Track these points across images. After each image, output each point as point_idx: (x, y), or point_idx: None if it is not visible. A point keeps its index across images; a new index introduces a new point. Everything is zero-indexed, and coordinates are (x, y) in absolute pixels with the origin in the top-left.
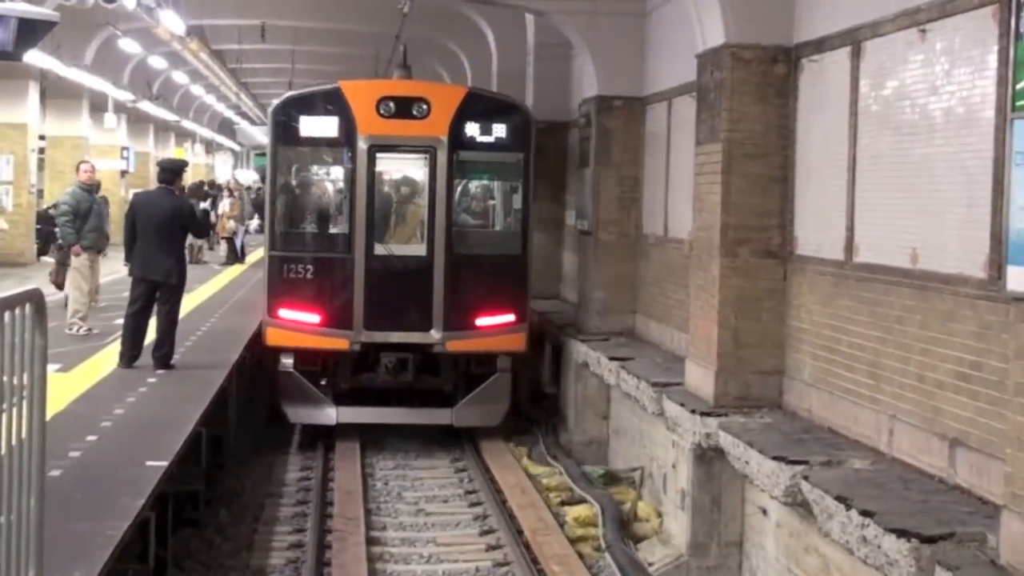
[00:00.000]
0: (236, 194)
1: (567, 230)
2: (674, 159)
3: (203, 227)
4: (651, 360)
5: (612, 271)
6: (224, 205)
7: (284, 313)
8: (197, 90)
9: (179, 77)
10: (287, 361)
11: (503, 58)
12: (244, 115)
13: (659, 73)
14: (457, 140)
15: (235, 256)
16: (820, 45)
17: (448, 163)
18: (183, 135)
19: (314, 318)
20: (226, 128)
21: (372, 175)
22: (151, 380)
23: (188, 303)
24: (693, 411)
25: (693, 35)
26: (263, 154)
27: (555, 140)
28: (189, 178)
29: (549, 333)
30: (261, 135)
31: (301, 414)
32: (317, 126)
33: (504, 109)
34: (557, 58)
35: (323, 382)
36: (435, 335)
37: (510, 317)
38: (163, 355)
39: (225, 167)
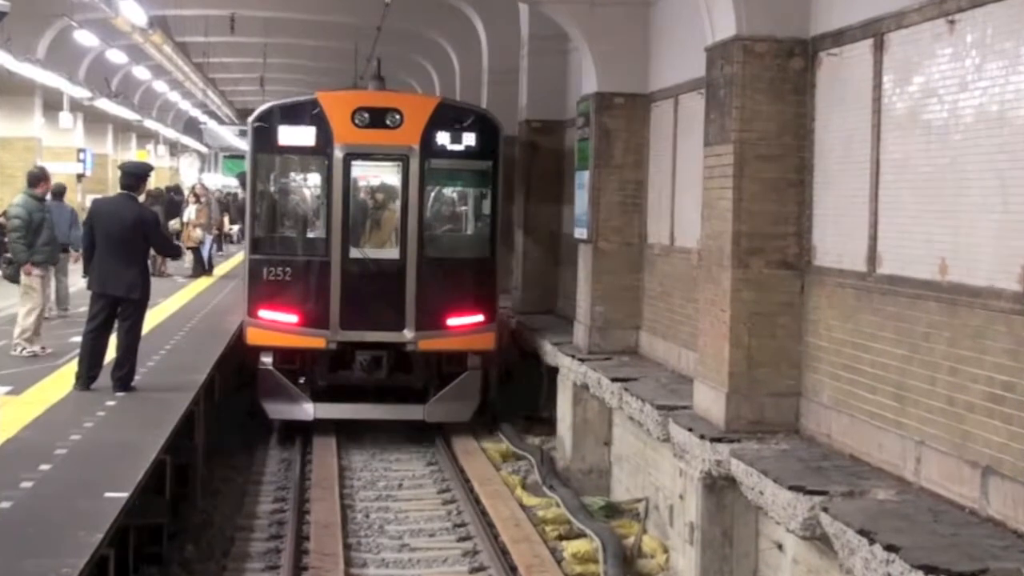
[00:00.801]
0: (203, 200)
1: (564, 239)
2: (681, 161)
3: (167, 245)
4: (656, 381)
5: (613, 284)
6: (190, 212)
7: (264, 313)
8: (160, 87)
9: (140, 73)
10: (266, 359)
11: (494, 52)
12: (212, 114)
13: (664, 68)
14: (428, 148)
15: (202, 268)
16: (840, 37)
17: (420, 170)
18: (145, 136)
19: (292, 318)
20: (192, 128)
21: (347, 182)
22: (110, 403)
23: (151, 320)
24: (702, 436)
25: (701, 27)
26: (233, 156)
27: (551, 141)
28: (152, 183)
29: (544, 351)
30: (231, 136)
31: (280, 410)
32: (295, 135)
33: (473, 119)
34: (553, 52)
35: (301, 380)
36: (408, 334)
37: (479, 317)
38: (123, 376)
39: (191, 171)
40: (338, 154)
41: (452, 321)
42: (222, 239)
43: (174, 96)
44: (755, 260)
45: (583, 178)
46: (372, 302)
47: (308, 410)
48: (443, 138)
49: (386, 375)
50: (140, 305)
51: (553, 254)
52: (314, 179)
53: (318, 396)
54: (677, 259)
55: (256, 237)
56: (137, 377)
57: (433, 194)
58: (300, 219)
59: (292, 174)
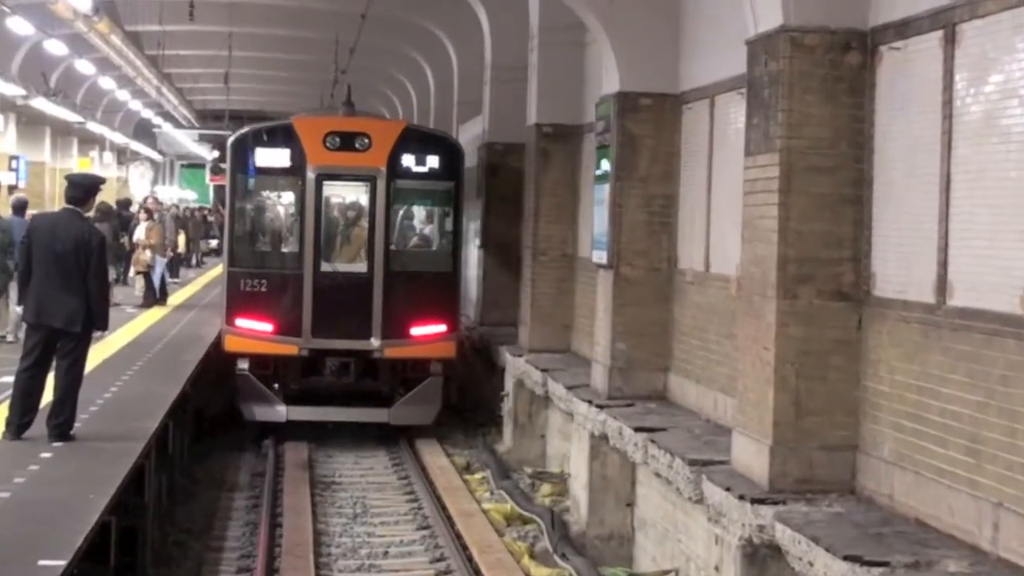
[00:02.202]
0: (156, 216)
1: (580, 264)
2: (718, 173)
3: (101, 279)
4: (688, 431)
5: (638, 317)
6: (139, 231)
7: (240, 322)
8: (107, 83)
9: (84, 67)
10: (243, 365)
11: (499, 45)
12: (167, 116)
13: (698, 64)
14: (395, 170)
15: (153, 296)
16: (904, 29)
17: (387, 190)
18: (89, 141)
19: (267, 327)
20: (144, 132)
21: (319, 201)
22: (45, 455)
23: (94, 356)
24: (742, 497)
25: (742, 15)
26: (192, 166)
27: (565, 149)
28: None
29: (556, 395)
30: (190, 141)
31: (255, 412)
32: (271, 157)
33: (437, 142)
34: (568, 45)
35: (275, 384)
36: (374, 342)
37: (442, 327)
38: (61, 424)
39: (143, 182)
40: (311, 175)
41: (416, 331)
42: (178, 262)
43: (123, 95)
44: (804, 290)
45: (602, 192)
46: (341, 312)
47: (281, 412)
48: (408, 160)
49: (354, 380)
50: (82, 340)
51: (567, 282)
52: (288, 198)
53: (291, 399)
54: (713, 288)
55: (234, 251)
56: (77, 424)
57: (399, 212)
58: (275, 235)
59: (268, 193)
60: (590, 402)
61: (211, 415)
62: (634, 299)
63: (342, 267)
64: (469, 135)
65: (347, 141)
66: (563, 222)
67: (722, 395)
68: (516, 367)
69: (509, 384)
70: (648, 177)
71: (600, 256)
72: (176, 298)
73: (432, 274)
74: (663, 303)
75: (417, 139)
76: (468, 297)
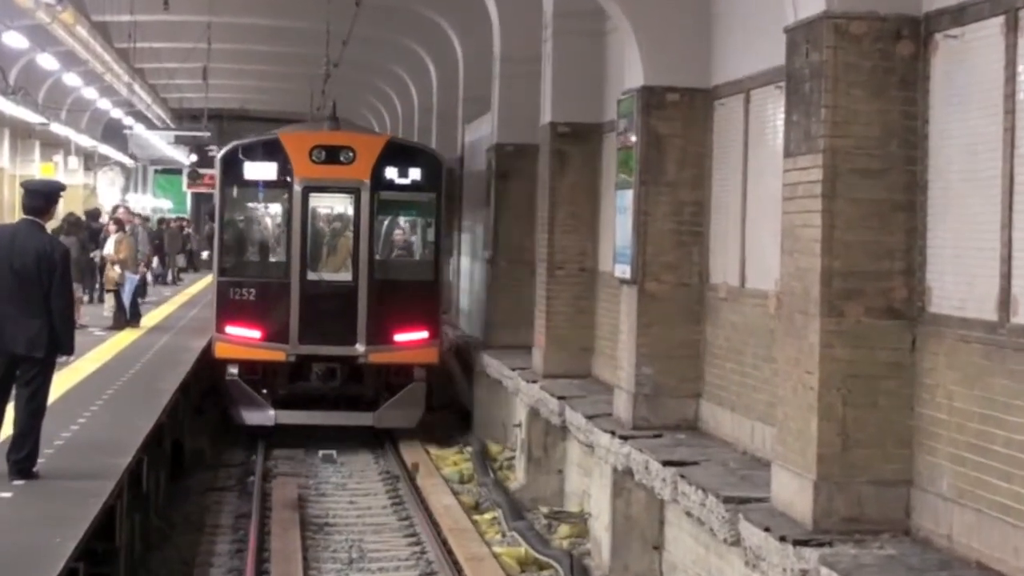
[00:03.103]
0: (128, 227)
1: (601, 278)
2: (754, 176)
3: (65, 298)
4: (722, 465)
5: (665, 338)
6: (108, 245)
7: (230, 329)
8: (72, 80)
9: (46, 61)
10: (233, 371)
11: (509, 34)
12: (140, 115)
13: (732, 54)
14: (378, 182)
15: (124, 317)
16: (961, 15)
17: (370, 202)
18: (52, 144)
19: (256, 333)
20: (114, 134)
21: (305, 212)
22: (5, 495)
23: (59, 384)
24: (783, 538)
25: (780, 1)
26: (167, 171)
27: (582, 150)
28: (63, 207)
29: (575, 426)
30: (164, 144)
31: (245, 416)
32: (259, 170)
33: (419, 155)
34: (586, 34)
35: (264, 390)
36: (359, 348)
37: (424, 334)
38: (22, 460)
39: (112, 190)
40: (297, 187)
41: (399, 337)
42: (143, 282)
43: (90, 92)
44: (851, 306)
45: (625, 199)
46: (328, 319)
47: (270, 416)
48: (391, 173)
49: (340, 385)
50: (46, 366)
51: (586, 300)
52: (276, 209)
53: (279, 404)
54: (749, 305)
55: (224, 261)
56: (41, 461)
57: (383, 223)
58: (264, 245)
59: (256, 205)
60: (613, 433)
61: (191, 449)
62: (661, 318)
63: (328, 276)
64: (476, 135)
65: (332, 154)
66: (581, 232)
67: (760, 424)
68: (530, 394)
69: (522, 413)
70: (676, 181)
71: (623, 270)
72: (150, 319)
73: (415, 282)
74: (693, 322)
75: (400, 152)
76: (474, 316)
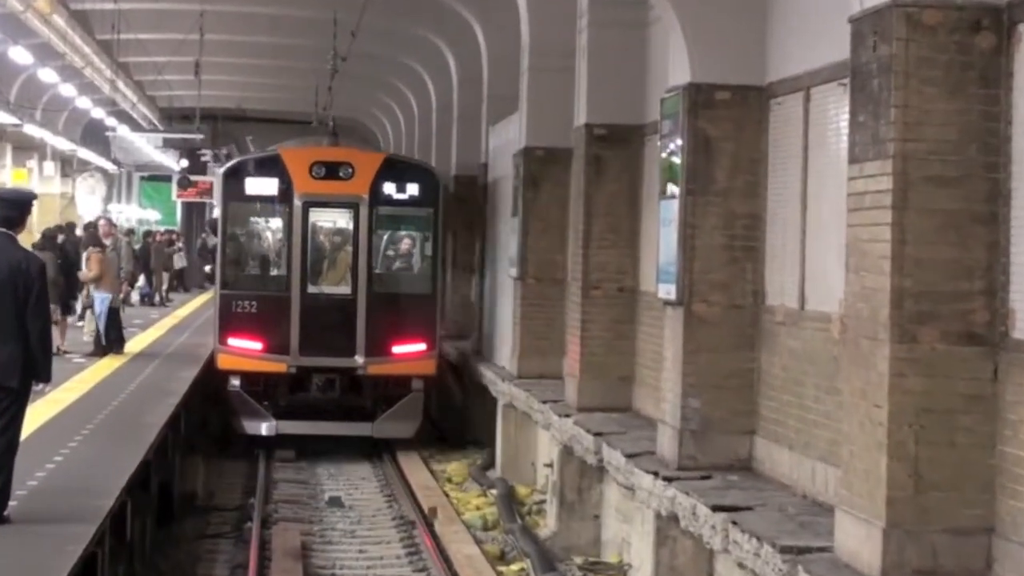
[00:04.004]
0: (109, 241)
1: (642, 299)
2: (815, 185)
3: (43, 318)
4: (779, 510)
5: (715, 366)
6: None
7: (232, 341)
8: (48, 76)
9: (19, 56)
10: (235, 382)
11: (538, 26)
12: (124, 116)
13: (790, 48)
14: (377, 197)
15: (99, 344)
16: None
17: (369, 217)
18: (26, 147)
19: (257, 345)
20: (95, 136)
21: (305, 227)
22: None
23: (32, 418)
24: None
25: None
26: (155, 178)
27: (621, 155)
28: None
29: (612, 464)
30: (152, 148)
31: (246, 426)
32: (260, 186)
33: (416, 171)
34: (626, 24)
35: (265, 401)
36: (358, 360)
37: (422, 346)
38: None
39: (93, 199)
40: (297, 202)
41: (397, 349)
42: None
43: (68, 90)
44: (925, 331)
45: (670, 210)
46: (327, 332)
47: (271, 426)
48: (390, 188)
49: (339, 396)
50: (19, 396)
51: (626, 323)
52: (277, 224)
53: (280, 414)
54: (810, 330)
55: (226, 274)
56: (13, 503)
57: (382, 237)
58: (265, 259)
59: (258, 219)
60: (656, 474)
61: (181, 491)
62: (710, 344)
63: (328, 289)
64: (502, 139)
65: (331, 170)
66: (620, 247)
67: (822, 464)
68: (562, 430)
69: (553, 452)
70: (727, 190)
71: (667, 290)
72: (135, 344)
73: (413, 295)
74: (747, 349)
75: (398, 168)
76: (500, 342)
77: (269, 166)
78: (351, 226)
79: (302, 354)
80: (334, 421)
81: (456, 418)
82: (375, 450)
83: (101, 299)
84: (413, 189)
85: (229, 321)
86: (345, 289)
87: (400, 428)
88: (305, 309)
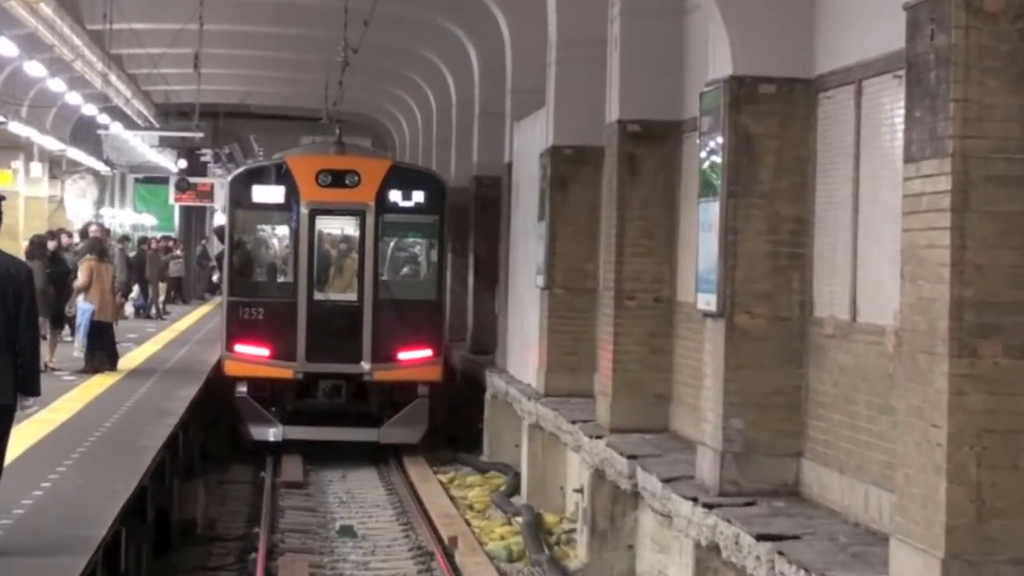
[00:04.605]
0: (108, 247)
1: (680, 310)
2: (868, 186)
3: (31, 327)
4: (830, 539)
5: (759, 383)
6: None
7: (239, 348)
8: (35, 70)
9: (4, 47)
10: (242, 388)
11: (567, 13)
12: (117, 112)
13: (840, 37)
14: (383, 205)
15: (91, 360)
16: None
17: (375, 224)
18: (10, 147)
19: (264, 352)
20: (86, 135)
21: (312, 234)
22: None
23: (17, 439)
24: None
25: None
26: (150, 180)
27: (657, 154)
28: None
29: (647, 491)
30: (147, 147)
31: (253, 432)
32: (267, 193)
33: (422, 178)
34: (662, 12)
35: (272, 407)
36: (365, 366)
37: (428, 352)
38: None
39: (84, 202)
40: (304, 210)
41: (403, 355)
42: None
43: (57, 85)
44: (987, 345)
45: (710, 213)
46: (334, 338)
47: (278, 432)
48: (395, 196)
49: (345, 402)
50: (5, 415)
51: (663, 337)
52: (283, 231)
53: (286, 420)
54: (862, 343)
55: (233, 282)
56: None
57: (388, 244)
58: (272, 266)
59: (264, 227)
60: (695, 500)
61: (179, 520)
62: (754, 359)
63: (334, 296)
64: (528, 136)
65: (338, 178)
66: (656, 254)
67: (875, 489)
68: (594, 452)
69: (584, 476)
70: (772, 192)
71: (707, 300)
72: (130, 360)
73: (418, 302)
74: (793, 364)
75: (403, 176)
76: (525, 357)
77: (275, 174)
78: (357, 233)
79: (309, 360)
80: (340, 427)
81: (476, 441)
82: (383, 459)
83: (83, 310)
84: (419, 196)
85: (236, 327)
86: (351, 296)
87: (406, 434)
88: (312, 316)
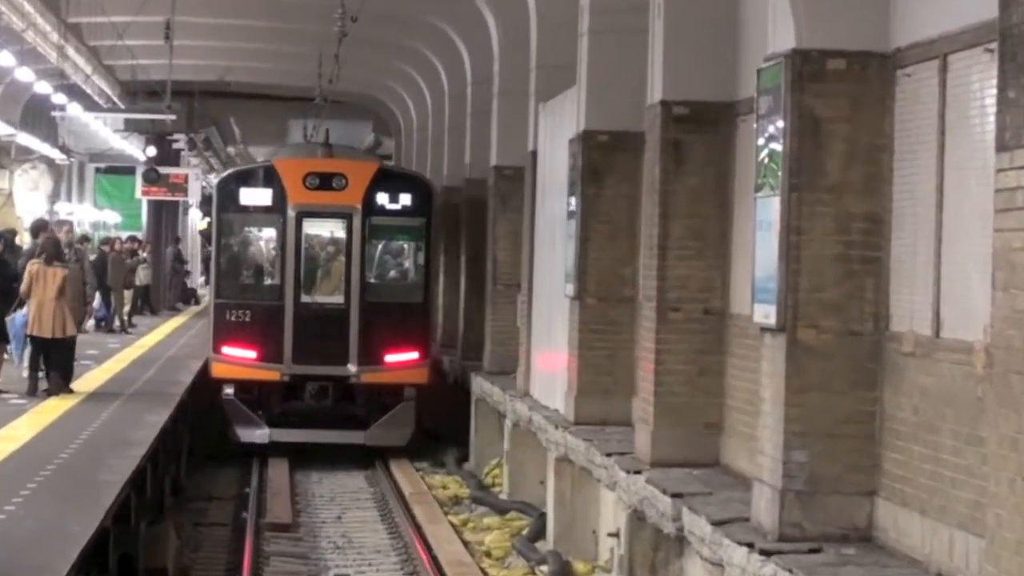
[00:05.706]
0: (70, 252)
1: (733, 323)
2: (954, 179)
3: None
4: None
5: (826, 409)
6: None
7: (226, 350)
8: None
9: None
10: (229, 390)
11: None
12: (76, 91)
13: (921, 5)
14: (369, 208)
15: (34, 380)
16: None
17: (362, 227)
18: None
19: (251, 354)
20: (38, 117)
21: (299, 237)
22: None
23: None
24: None
25: None
26: (113, 170)
27: (707, 140)
28: None
29: (691, 530)
30: (110, 132)
31: (240, 434)
32: (255, 196)
33: (409, 181)
34: None
35: (259, 409)
36: (351, 368)
37: (414, 355)
38: None
39: (36, 196)
40: (291, 213)
41: (390, 358)
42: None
43: (5, 59)
44: None
45: (769, 210)
46: (321, 340)
47: (265, 434)
48: (382, 198)
49: (332, 404)
50: None
51: (713, 354)
52: (270, 234)
53: (273, 422)
54: (946, 363)
55: (220, 284)
56: None
57: (375, 247)
58: (258, 268)
59: (252, 229)
60: (751, 546)
61: (147, 568)
62: (820, 381)
63: (321, 298)
64: (556, 119)
65: (325, 181)
66: (706, 258)
67: (962, 533)
68: (631, 490)
69: (620, 518)
70: (841, 185)
71: (765, 312)
72: (88, 382)
73: (405, 305)
74: (866, 387)
75: (390, 178)
76: (551, 378)
77: (263, 177)
78: (344, 236)
79: (295, 362)
80: (327, 429)
81: (457, 440)
82: (385, 502)
83: (13, 321)
84: (406, 199)
85: (223, 330)
86: (338, 298)
87: (393, 436)
88: (298, 318)
